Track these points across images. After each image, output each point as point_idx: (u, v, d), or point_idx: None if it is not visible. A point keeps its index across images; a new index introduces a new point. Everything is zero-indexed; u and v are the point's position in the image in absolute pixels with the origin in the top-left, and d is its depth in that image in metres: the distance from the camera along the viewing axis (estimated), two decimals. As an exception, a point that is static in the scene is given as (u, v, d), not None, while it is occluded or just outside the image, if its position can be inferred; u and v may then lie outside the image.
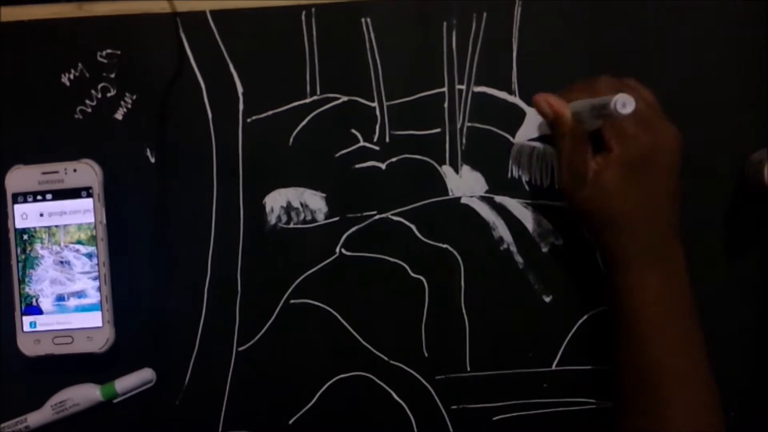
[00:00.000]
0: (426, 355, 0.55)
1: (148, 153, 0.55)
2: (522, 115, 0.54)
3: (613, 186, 0.45)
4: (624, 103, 0.41)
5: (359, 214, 0.54)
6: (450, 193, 0.54)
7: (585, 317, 0.54)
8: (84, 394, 0.54)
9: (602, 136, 0.46)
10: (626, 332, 0.46)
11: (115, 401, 0.54)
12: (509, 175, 0.54)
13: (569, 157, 0.47)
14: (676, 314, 0.46)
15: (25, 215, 0.52)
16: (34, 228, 0.53)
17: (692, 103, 0.53)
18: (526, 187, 0.54)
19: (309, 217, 0.55)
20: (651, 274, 0.45)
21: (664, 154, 0.45)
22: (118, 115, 0.55)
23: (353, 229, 0.54)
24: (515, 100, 0.54)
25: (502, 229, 0.54)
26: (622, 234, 0.46)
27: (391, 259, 0.55)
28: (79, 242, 0.52)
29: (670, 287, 0.46)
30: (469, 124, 0.54)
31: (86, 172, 0.53)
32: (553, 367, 0.54)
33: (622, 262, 0.46)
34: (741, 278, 0.54)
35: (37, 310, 0.53)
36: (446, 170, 0.54)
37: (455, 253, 0.54)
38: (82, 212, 0.53)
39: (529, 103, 0.53)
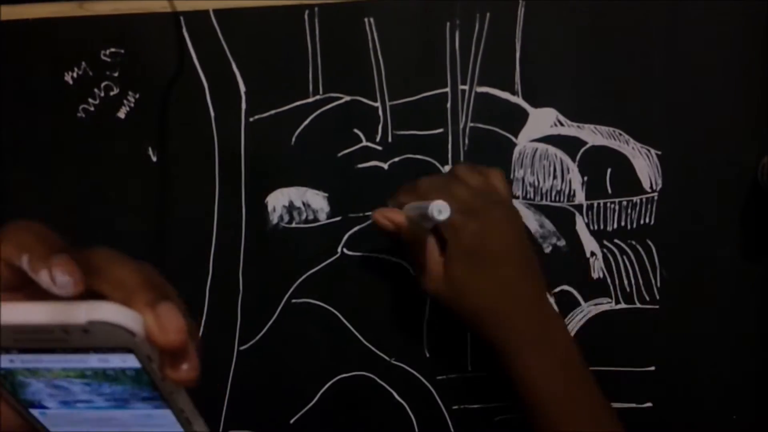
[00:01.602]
0: (427, 355, 0.55)
1: (151, 152, 0.55)
2: (525, 115, 0.54)
3: (457, 279, 0.45)
4: (440, 210, 0.41)
5: (361, 214, 0.54)
6: (452, 194, 0.54)
7: (586, 318, 0.54)
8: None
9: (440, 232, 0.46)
10: (529, 411, 0.45)
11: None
12: (511, 175, 0.54)
13: (416, 259, 0.47)
14: (570, 389, 0.45)
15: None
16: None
17: (701, 105, 0.53)
18: (529, 188, 0.54)
19: (311, 217, 0.55)
20: (530, 358, 0.44)
21: (496, 239, 0.45)
22: (121, 114, 0.55)
23: (355, 228, 0.54)
24: (518, 100, 0.53)
25: (504, 230, 0.54)
26: (484, 324, 0.45)
27: (393, 259, 0.55)
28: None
29: (554, 365, 0.45)
30: (472, 125, 0.54)
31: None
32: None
33: (497, 350, 0.45)
34: (755, 282, 0.54)
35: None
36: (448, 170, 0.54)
37: (457, 253, 0.54)
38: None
39: (533, 104, 0.53)
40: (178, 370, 0.27)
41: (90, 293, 0.26)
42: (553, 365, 0.45)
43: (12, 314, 0.25)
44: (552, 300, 0.54)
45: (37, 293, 0.26)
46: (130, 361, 0.26)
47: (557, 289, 0.54)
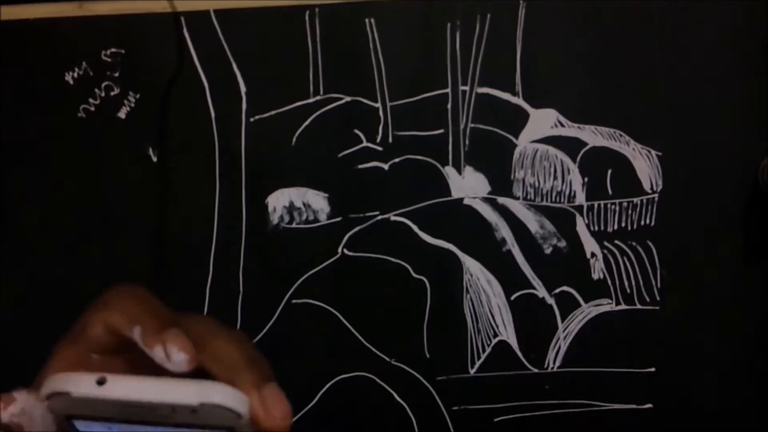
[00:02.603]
0: (428, 355, 0.55)
1: (151, 152, 0.55)
2: (525, 116, 0.54)
3: None
4: None
5: (362, 215, 0.54)
6: (452, 194, 0.54)
7: (587, 319, 0.54)
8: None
9: None
10: None
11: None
12: (512, 176, 0.54)
13: None
14: None
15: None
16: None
17: (701, 106, 0.53)
18: (529, 189, 0.54)
19: (311, 217, 0.54)
20: None
21: None
22: (122, 114, 0.54)
23: (355, 229, 0.54)
24: (519, 101, 0.53)
25: (504, 231, 0.54)
26: None
27: (393, 260, 0.55)
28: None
29: None
30: (473, 126, 0.54)
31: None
32: (555, 368, 0.54)
33: None
34: (755, 283, 0.54)
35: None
36: (449, 171, 0.54)
37: (457, 253, 0.54)
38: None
39: (533, 105, 0.53)
40: None
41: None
42: None
43: (121, 389, 0.25)
44: (552, 301, 0.54)
45: (136, 359, 0.26)
46: None
47: (558, 290, 0.54)
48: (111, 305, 0.27)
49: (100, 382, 0.25)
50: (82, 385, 0.25)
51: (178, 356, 0.25)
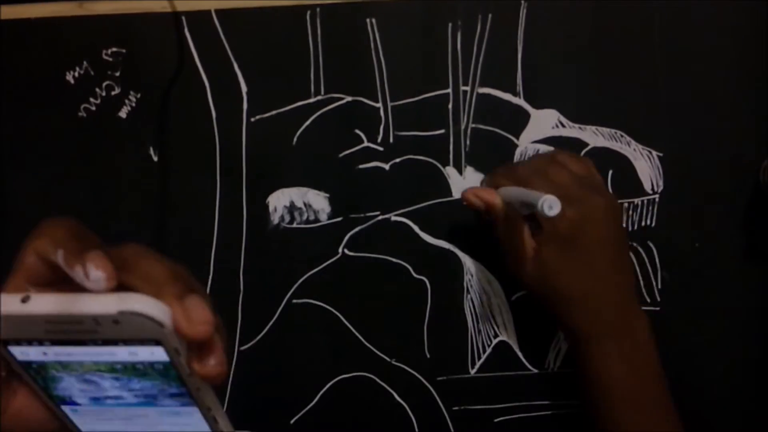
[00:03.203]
0: (428, 355, 0.55)
1: (152, 151, 0.55)
2: (526, 117, 0.54)
3: (550, 264, 0.45)
4: (551, 206, 0.41)
5: (362, 215, 0.54)
6: (453, 195, 0.54)
7: (587, 320, 0.54)
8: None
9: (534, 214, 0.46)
10: (595, 406, 0.46)
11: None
12: (513, 176, 0.54)
13: (509, 241, 0.47)
14: (645, 386, 0.45)
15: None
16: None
17: (702, 107, 0.53)
18: (530, 189, 0.54)
19: (312, 217, 0.54)
20: (610, 348, 0.45)
21: (593, 228, 0.45)
22: (122, 114, 0.55)
23: (356, 229, 0.54)
24: (520, 102, 0.53)
25: (505, 231, 0.54)
26: (571, 310, 0.46)
27: (394, 260, 0.55)
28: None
29: (632, 360, 0.45)
30: (474, 126, 0.54)
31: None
32: (556, 369, 0.54)
33: (578, 338, 0.46)
34: (756, 284, 0.54)
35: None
36: (450, 171, 0.54)
37: (458, 254, 0.54)
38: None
39: (534, 105, 0.53)
40: (205, 364, 0.28)
41: (121, 288, 0.26)
42: (631, 358, 0.45)
43: (44, 304, 0.26)
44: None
45: (69, 289, 0.26)
46: (159, 354, 0.27)
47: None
48: (40, 233, 0.28)
49: (24, 300, 0.26)
50: (7, 303, 0.26)
51: (95, 274, 0.25)
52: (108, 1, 0.54)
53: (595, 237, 0.45)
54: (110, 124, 0.54)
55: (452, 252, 0.54)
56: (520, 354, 0.55)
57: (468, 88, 0.53)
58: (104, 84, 0.54)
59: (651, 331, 0.46)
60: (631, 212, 0.54)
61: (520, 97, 0.53)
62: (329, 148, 0.54)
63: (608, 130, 0.53)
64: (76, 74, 0.54)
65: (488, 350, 0.54)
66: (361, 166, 0.54)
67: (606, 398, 0.45)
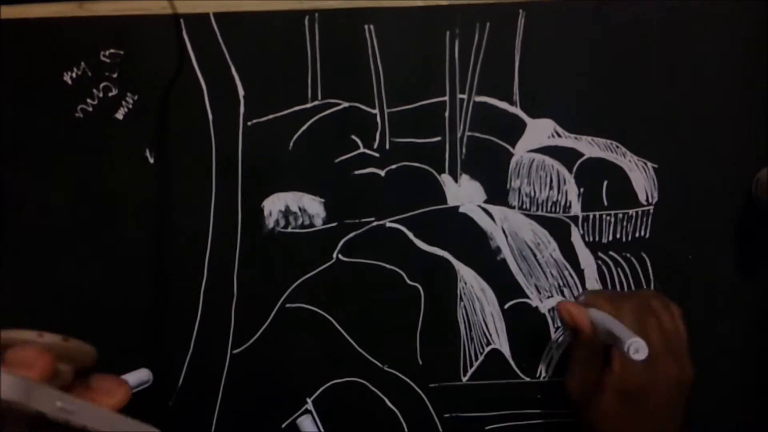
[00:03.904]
0: (420, 362, 0.55)
1: (148, 153, 0.55)
2: (523, 126, 0.54)
3: (609, 410, 0.45)
4: (637, 350, 0.41)
5: (357, 221, 0.54)
6: (448, 202, 0.54)
7: (580, 329, 0.54)
8: (78, 393, 0.53)
9: (610, 350, 0.46)
10: None
11: (109, 401, 0.54)
12: (508, 185, 0.54)
13: (581, 367, 0.48)
14: None
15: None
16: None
17: (697, 119, 0.53)
18: (525, 199, 0.54)
19: (307, 222, 0.55)
20: None
21: (662, 392, 0.45)
22: (119, 115, 0.54)
23: (351, 235, 0.54)
24: (516, 110, 0.54)
25: (499, 239, 0.54)
26: None
27: (388, 266, 0.55)
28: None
29: None
30: (470, 134, 0.54)
31: None
32: (548, 378, 0.54)
33: None
34: (749, 296, 0.54)
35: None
36: (445, 179, 0.54)
37: (452, 261, 0.54)
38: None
39: (531, 114, 0.54)
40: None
41: None
42: None
43: None
44: (546, 311, 0.54)
45: None
46: None
47: (551, 300, 0.54)
48: None
49: None
50: None
51: None
52: (108, 1, 0.54)
53: (660, 401, 0.45)
54: (107, 126, 0.54)
55: (446, 259, 0.54)
56: (512, 362, 0.55)
57: (465, 96, 0.54)
58: (101, 85, 0.54)
59: None
60: (625, 223, 0.54)
61: (516, 106, 0.54)
62: (325, 154, 0.54)
63: (604, 140, 0.54)
64: (74, 75, 0.54)
65: (480, 358, 0.55)
66: (356, 172, 0.54)
67: None
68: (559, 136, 0.54)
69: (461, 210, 0.54)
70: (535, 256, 0.54)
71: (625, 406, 0.45)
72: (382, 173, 0.54)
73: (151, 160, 0.55)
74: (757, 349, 0.54)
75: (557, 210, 0.54)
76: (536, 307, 0.54)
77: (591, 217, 0.54)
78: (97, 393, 0.32)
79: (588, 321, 0.47)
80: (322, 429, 0.54)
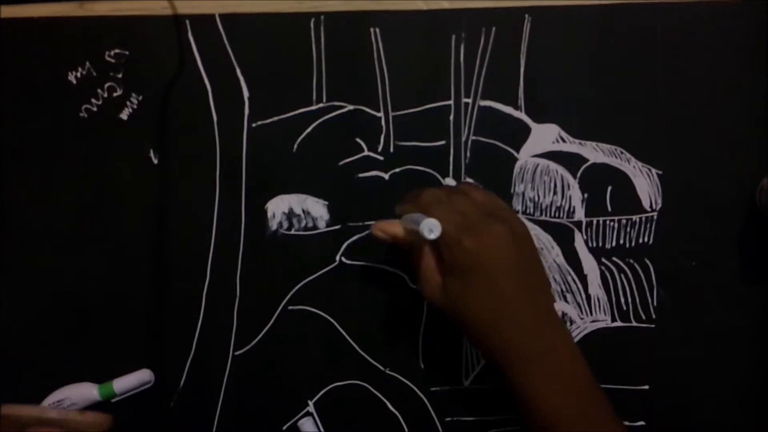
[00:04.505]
0: (422, 366, 0.55)
1: (152, 154, 0.55)
2: (527, 130, 0.54)
3: (455, 296, 0.44)
4: (431, 229, 0.41)
5: (360, 223, 0.54)
6: (452, 206, 0.54)
7: (582, 335, 0.54)
8: (81, 393, 0.54)
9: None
10: (536, 427, 0.44)
11: (112, 401, 0.54)
12: (512, 190, 0.54)
13: (418, 268, 0.47)
14: (580, 400, 0.44)
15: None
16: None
17: (702, 126, 0.53)
18: (529, 204, 0.54)
19: (310, 224, 0.55)
20: (534, 371, 0.44)
21: (493, 255, 0.43)
22: (123, 115, 0.55)
23: (354, 237, 0.54)
24: (521, 115, 0.54)
25: (502, 244, 0.54)
26: (485, 338, 0.45)
27: (391, 269, 0.55)
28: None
29: (560, 377, 0.44)
30: (474, 138, 0.54)
31: None
32: (549, 383, 0.54)
33: (500, 365, 0.45)
34: (751, 304, 0.54)
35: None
36: (449, 183, 0.54)
37: (455, 265, 0.54)
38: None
39: (536, 119, 0.54)
40: None
41: None
42: (558, 381, 0.44)
43: None
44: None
45: None
46: None
47: (556, 305, 0.54)
48: None
49: None
50: None
51: None
52: (108, 1, 0.54)
53: (495, 264, 0.44)
54: (111, 126, 0.54)
55: (449, 263, 0.54)
56: (514, 367, 0.55)
57: (469, 100, 0.53)
58: (106, 85, 0.54)
59: (572, 344, 0.45)
60: (628, 229, 0.54)
61: (521, 111, 0.54)
62: (329, 156, 0.54)
63: (608, 146, 0.54)
64: (79, 75, 0.54)
65: (482, 362, 0.55)
66: (360, 175, 0.54)
67: (543, 419, 0.43)
68: (563, 141, 0.54)
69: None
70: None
71: (470, 281, 0.44)
72: (386, 176, 0.54)
73: (155, 161, 0.55)
74: (760, 355, 0.54)
75: (561, 215, 0.54)
76: (539, 312, 0.54)
77: (595, 222, 0.54)
78: None
79: (399, 228, 0.47)
80: (323, 431, 0.54)
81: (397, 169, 0.54)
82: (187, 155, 0.54)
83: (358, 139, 0.54)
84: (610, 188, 0.54)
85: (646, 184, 0.54)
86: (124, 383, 0.54)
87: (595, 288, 0.54)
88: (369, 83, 0.54)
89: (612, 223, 0.54)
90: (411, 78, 0.53)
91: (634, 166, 0.54)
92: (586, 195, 0.54)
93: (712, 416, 0.54)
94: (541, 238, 0.54)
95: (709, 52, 0.53)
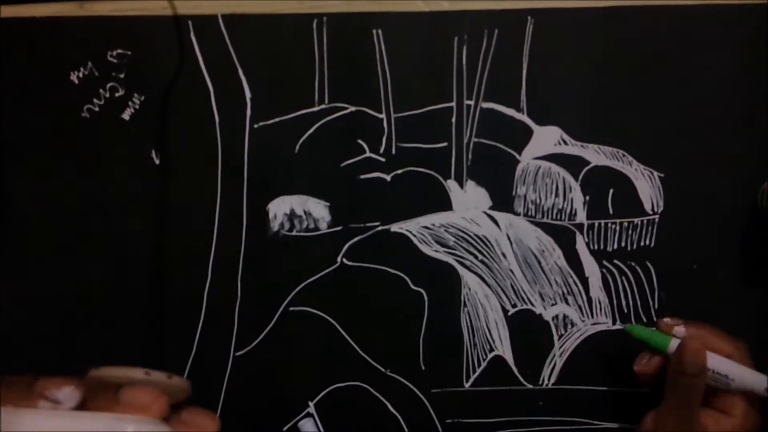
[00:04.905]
0: (423, 367, 0.55)
1: (153, 154, 0.54)
2: (529, 132, 0.54)
3: None
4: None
5: (362, 225, 0.54)
6: (454, 208, 0.54)
7: (583, 337, 0.54)
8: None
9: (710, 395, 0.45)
10: None
11: (110, 401, 0.54)
12: (514, 192, 0.54)
13: (676, 410, 0.46)
14: None
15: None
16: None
17: (704, 129, 0.53)
18: (530, 206, 0.54)
19: (312, 226, 0.54)
20: None
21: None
22: (125, 116, 0.54)
23: (355, 239, 0.54)
24: (523, 117, 0.54)
25: (504, 246, 0.54)
26: None
27: (392, 271, 0.55)
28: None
29: None
30: (476, 140, 0.54)
31: None
32: (550, 385, 0.54)
33: None
34: (754, 307, 0.54)
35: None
36: (451, 185, 0.54)
37: (456, 267, 0.54)
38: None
39: (538, 121, 0.54)
40: None
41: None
42: None
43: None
44: (549, 318, 0.54)
45: None
46: None
47: (555, 307, 0.54)
48: None
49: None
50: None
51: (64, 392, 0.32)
52: (109, 1, 0.54)
53: None
54: (113, 126, 0.54)
55: (450, 265, 0.54)
56: (514, 369, 0.55)
57: (472, 102, 0.53)
58: (108, 85, 0.54)
59: None
60: (630, 232, 0.54)
61: (523, 113, 0.54)
62: (331, 157, 0.54)
63: (610, 149, 0.54)
64: (80, 75, 0.54)
65: (483, 364, 0.55)
66: (362, 176, 0.54)
67: None
68: (565, 143, 0.54)
69: (466, 216, 0.54)
70: (539, 263, 0.54)
71: None
72: (388, 178, 0.54)
73: (157, 161, 0.54)
74: (761, 359, 0.54)
75: (563, 217, 0.54)
76: (540, 315, 0.54)
77: (596, 225, 0.54)
78: (191, 427, 0.34)
79: (707, 363, 0.45)
80: None
81: (399, 171, 0.54)
82: (188, 156, 0.54)
83: (359, 141, 0.54)
84: (611, 191, 0.54)
85: (647, 187, 0.54)
86: (125, 384, 0.54)
87: (597, 290, 0.54)
88: (371, 85, 0.53)
89: (613, 226, 0.54)
90: (413, 79, 0.53)
91: (635, 169, 0.54)
92: (587, 197, 0.54)
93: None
94: (542, 240, 0.54)
95: (712, 55, 0.53)
